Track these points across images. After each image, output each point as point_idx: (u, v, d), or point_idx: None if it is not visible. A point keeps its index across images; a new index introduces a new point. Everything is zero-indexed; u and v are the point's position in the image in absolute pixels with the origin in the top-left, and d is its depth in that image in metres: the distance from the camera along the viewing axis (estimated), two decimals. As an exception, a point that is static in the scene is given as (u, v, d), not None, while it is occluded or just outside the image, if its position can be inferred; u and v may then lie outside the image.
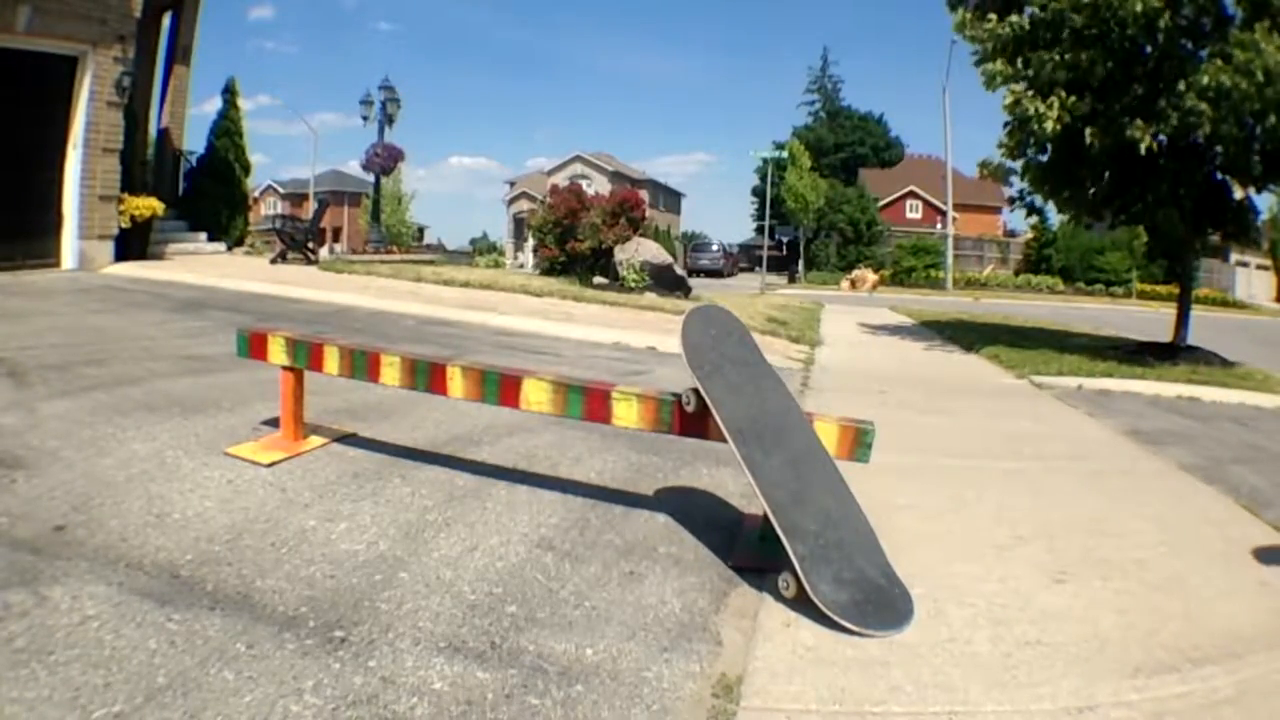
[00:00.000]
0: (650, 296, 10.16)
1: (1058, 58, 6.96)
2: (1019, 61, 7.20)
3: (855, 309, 15.71)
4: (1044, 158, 7.97)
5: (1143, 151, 6.67)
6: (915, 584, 2.24)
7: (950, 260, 29.87)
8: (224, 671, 1.60)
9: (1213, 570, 2.46)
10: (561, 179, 30.61)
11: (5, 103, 8.30)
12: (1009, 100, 7.34)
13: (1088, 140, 6.90)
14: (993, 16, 7.37)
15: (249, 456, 2.82)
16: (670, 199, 52.52)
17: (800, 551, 2.02)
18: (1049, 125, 6.93)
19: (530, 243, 24.89)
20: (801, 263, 33.28)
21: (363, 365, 2.76)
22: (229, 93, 12.98)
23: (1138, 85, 6.96)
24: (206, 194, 12.43)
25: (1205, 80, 6.21)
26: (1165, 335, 8.73)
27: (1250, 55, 6.05)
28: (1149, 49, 6.94)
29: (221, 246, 12.12)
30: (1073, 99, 6.92)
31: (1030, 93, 7.18)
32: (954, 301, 21.83)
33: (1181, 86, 6.37)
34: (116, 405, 3.35)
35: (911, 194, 43.10)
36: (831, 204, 33.82)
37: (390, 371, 2.71)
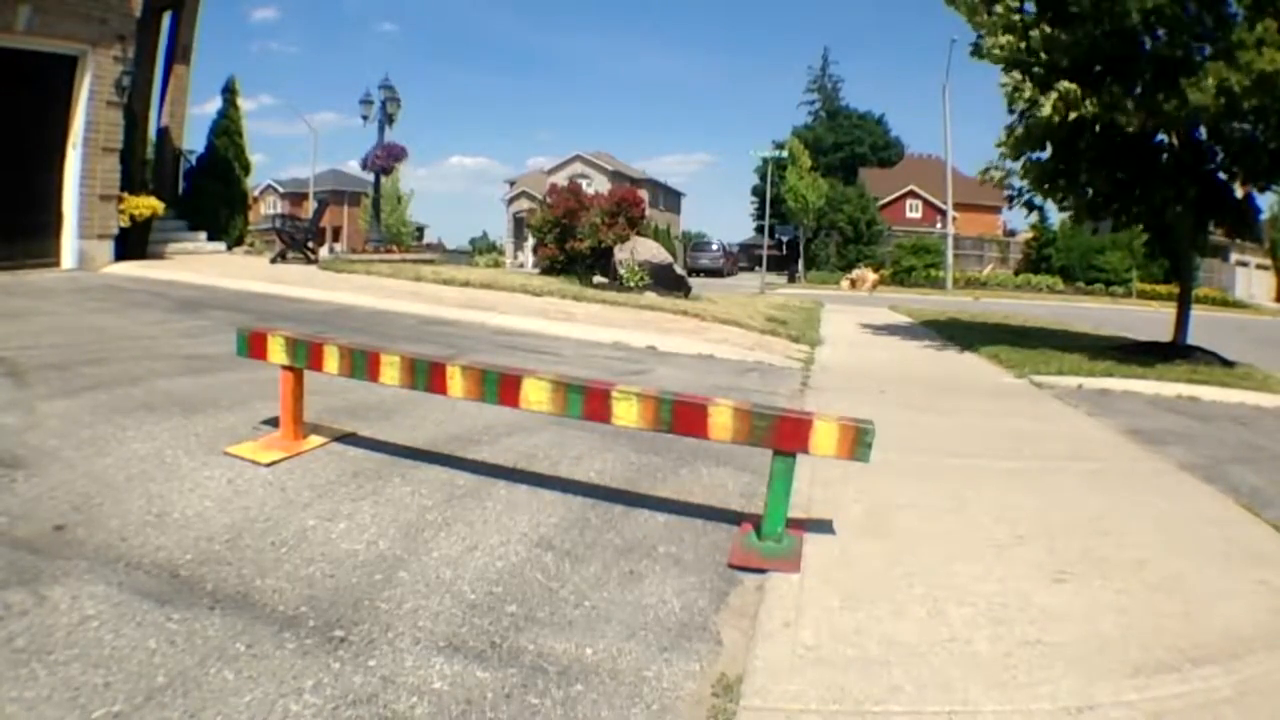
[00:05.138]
0: (650, 296, 10.16)
1: (1059, 37, 6.96)
2: (1022, 47, 7.19)
3: (855, 308, 15.71)
4: (1043, 154, 7.95)
5: (1131, 129, 6.65)
6: (916, 583, 2.24)
7: (950, 260, 29.87)
8: (224, 671, 1.60)
9: (1213, 570, 2.46)
10: (561, 178, 30.52)
11: (5, 102, 8.30)
12: (1006, 83, 7.35)
13: (1086, 112, 6.83)
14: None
15: (249, 456, 2.82)
16: (670, 198, 52.47)
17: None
18: (1045, 110, 6.93)
19: (530, 242, 24.91)
20: (801, 262, 33.27)
21: (362, 365, 2.76)
22: (229, 92, 12.99)
23: (1140, 77, 6.94)
24: (206, 193, 12.43)
25: (1209, 78, 6.20)
26: (1165, 335, 8.72)
27: (1251, 55, 6.05)
28: (1153, 37, 6.96)
29: (221, 246, 12.12)
30: (1074, 86, 6.91)
31: (1028, 81, 7.19)
32: (954, 301, 21.82)
33: (1184, 82, 6.37)
34: (116, 405, 3.35)
35: (911, 193, 43.04)
36: (831, 203, 33.81)
37: (390, 371, 2.71)
